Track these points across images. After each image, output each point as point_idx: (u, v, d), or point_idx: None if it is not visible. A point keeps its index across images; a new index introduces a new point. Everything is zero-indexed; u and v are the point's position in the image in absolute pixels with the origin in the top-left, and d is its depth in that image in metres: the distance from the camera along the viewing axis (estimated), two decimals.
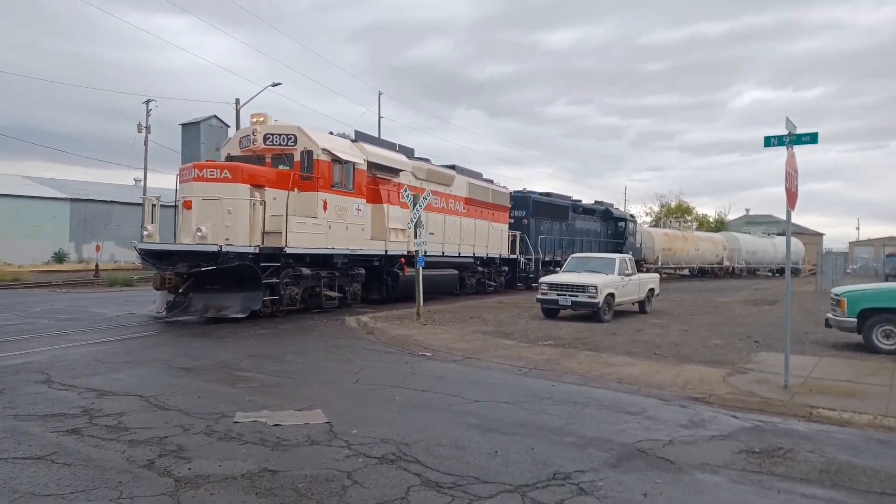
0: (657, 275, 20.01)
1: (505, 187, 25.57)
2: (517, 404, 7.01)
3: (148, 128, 43.30)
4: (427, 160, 20.29)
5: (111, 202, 47.15)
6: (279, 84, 30.30)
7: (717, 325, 15.11)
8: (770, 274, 54.86)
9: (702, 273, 47.91)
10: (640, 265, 37.62)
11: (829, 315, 11.74)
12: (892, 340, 10.72)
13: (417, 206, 14.19)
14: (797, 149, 8.23)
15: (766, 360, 10.08)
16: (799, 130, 8.25)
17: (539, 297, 15.80)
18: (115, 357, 9.22)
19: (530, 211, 27.08)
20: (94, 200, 46.33)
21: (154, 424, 5.78)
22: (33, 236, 42.28)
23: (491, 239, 23.39)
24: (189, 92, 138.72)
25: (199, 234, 12.73)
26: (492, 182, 24.36)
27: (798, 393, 7.82)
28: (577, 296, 15.01)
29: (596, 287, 14.83)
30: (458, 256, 21.25)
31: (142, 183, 44.64)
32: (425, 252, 14.57)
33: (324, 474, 4.63)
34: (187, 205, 13.05)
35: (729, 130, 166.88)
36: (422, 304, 14.55)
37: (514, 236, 25.47)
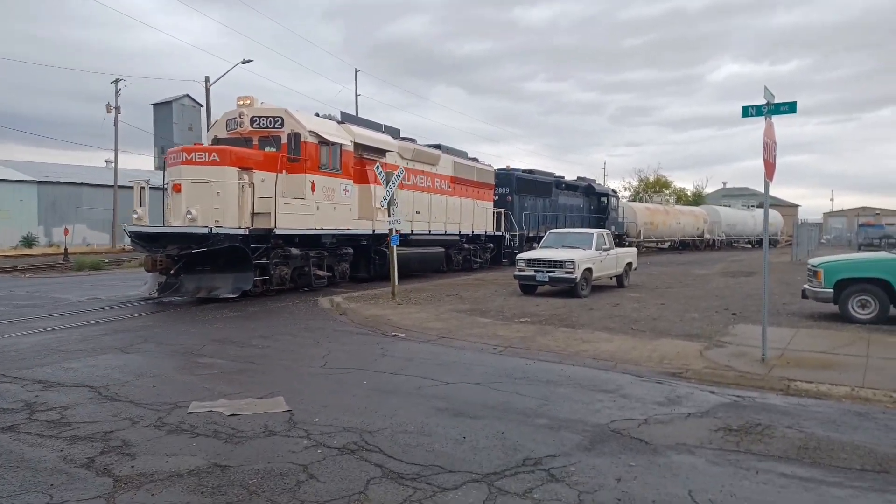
0: (635, 249, 19.89)
1: (489, 165, 25.87)
2: (489, 385, 6.76)
3: (117, 108, 42.00)
4: (413, 140, 20.44)
5: (81, 184, 45.86)
6: (250, 61, 29.43)
7: (695, 297, 15.04)
8: (749, 246, 55.49)
9: (683, 246, 48.46)
10: (623, 239, 38.55)
11: (806, 286, 11.66)
12: (868, 310, 10.66)
13: (391, 183, 13.78)
14: (775, 119, 8.02)
15: (744, 333, 9.97)
16: (776, 100, 8.04)
17: (516, 273, 15.58)
18: (70, 345, 8.79)
19: (514, 188, 27.47)
20: (63, 183, 45.00)
21: (100, 418, 5.42)
22: (0, 220, 41.03)
23: (476, 216, 23.79)
24: (164, 73, 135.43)
25: (188, 216, 12.90)
26: (476, 160, 24.57)
27: (775, 366, 7.69)
28: (554, 271, 14.81)
29: (573, 262, 14.63)
30: (445, 234, 21.61)
31: (113, 164, 43.40)
32: (400, 231, 14.22)
33: (278, 468, 4.32)
34: (177, 188, 13.24)
35: (706, 105, 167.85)
36: (397, 282, 14.25)
37: (498, 213, 25.87)
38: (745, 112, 8.14)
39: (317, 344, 9.06)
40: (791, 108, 7.75)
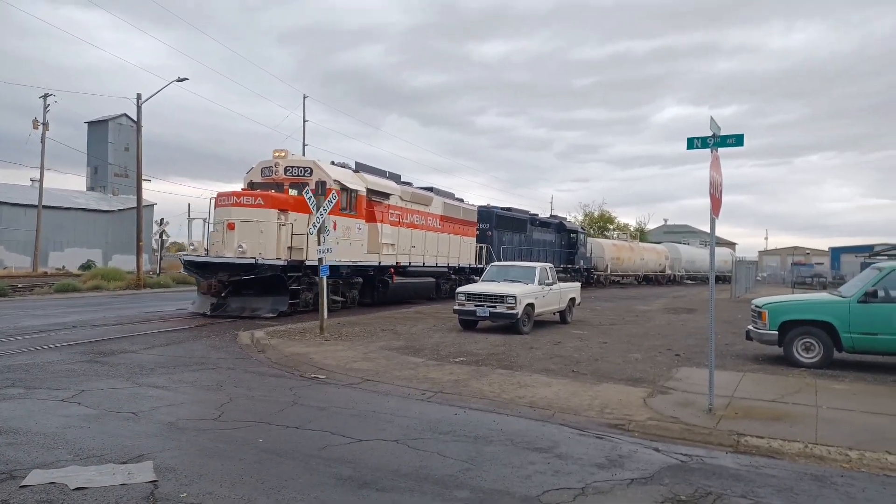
0: (578, 284, 19.46)
1: (473, 205, 29.13)
2: (408, 443, 5.86)
3: (45, 124, 39.60)
4: (410, 184, 23.67)
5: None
6: (185, 79, 28.05)
7: (638, 336, 14.59)
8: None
9: (647, 280, 50.84)
10: (592, 273, 42.09)
11: (751, 327, 11.27)
12: (812, 354, 10.29)
13: (321, 209, 12.90)
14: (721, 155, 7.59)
15: (688, 377, 9.44)
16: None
17: (456, 307, 14.81)
18: None
19: (493, 224, 30.22)
20: None
21: None
22: None
23: (462, 251, 26.91)
24: (108, 92, 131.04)
25: (239, 249, 15.94)
26: (462, 201, 28.03)
27: (723, 417, 7.10)
28: (495, 306, 14.13)
29: (515, 297, 13.97)
30: (436, 266, 24.47)
31: (39, 183, 40.75)
32: (325, 261, 13.32)
33: None
34: (231, 226, 16.30)
35: (651, 144, 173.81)
36: (326, 316, 13.28)
37: (480, 247, 28.77)
38: (691, 144, 7.69)
39: (218, 388, 8.02)
40: (738, 140, 7.33)
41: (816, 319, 10.31)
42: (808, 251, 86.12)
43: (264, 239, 16.24)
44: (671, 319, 19.29)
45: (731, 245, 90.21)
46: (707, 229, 7.87)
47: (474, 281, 25.72)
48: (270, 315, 16.08)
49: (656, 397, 8.05)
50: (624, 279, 48.95)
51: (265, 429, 6.19)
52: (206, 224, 17.72)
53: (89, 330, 13.60)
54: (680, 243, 61.74)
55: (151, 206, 50.07)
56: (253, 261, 15.70)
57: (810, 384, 8.95)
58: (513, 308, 13.95)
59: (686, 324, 17.89)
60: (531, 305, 14.68)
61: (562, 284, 17.39)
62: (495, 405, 7.56)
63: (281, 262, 16.14)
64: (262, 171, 18.59)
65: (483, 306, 14.26)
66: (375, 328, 14.55)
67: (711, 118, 7.54)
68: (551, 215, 39.38)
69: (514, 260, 30.07)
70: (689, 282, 56.65)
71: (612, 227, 73.89)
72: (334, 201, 13.39)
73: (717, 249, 59.31)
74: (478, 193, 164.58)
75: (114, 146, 54.62)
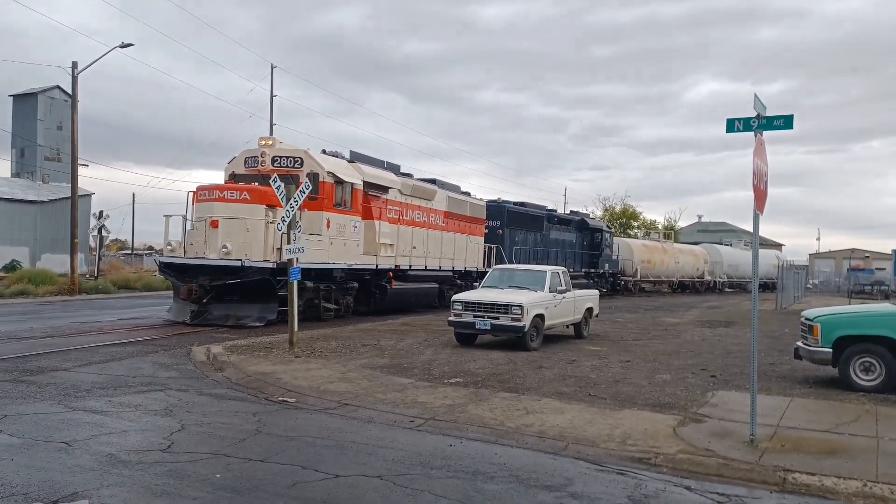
0: (596, 292, 19.56)
1: (481, 199, 29.58)
2: (394, 480, 5.87)
3: None
4: (410, 175, 24.17)
5: None
6: (129, 45, 27.99)
7: (666, 354, 14.67)
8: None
9: (682, 288, 51.39)
10: (618, 278, 42.59)
11: (800, 344, 11.33)
12: (873, 375, 10.34)
13: (291, 202, 12.94)
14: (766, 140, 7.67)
15: (726, 402, 9.51)
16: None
17: (451, 319, 14.85)
18: None
19: (504, 221, 30.63)
20: None
21: None
22: None
23: (469, 252, 27.21)
24: (37, 60, 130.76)
25: (224, 250, 16.43)
26: (468, 194, 28.26)
27: (767, 449, 7.15)
28: (497, 318, 14.17)
29: (521, 307, 14.01)
30: (439, 270, 24.88)
31: None
32: (295, 262, 13.37)
33: None
34: (214, 224, 16.74)
35: (682, 126, 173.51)
36: (296, 328, 13.29)
37: (489, 248, 29.25)
38: (731, 126, 7.81)
39: (169, 414, 8.03)
40: (787, 122, 7.41)
41: (878, 335, 10.36)
42: (867, 254, 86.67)
43: (250, 238, 16.82)
44: (705, 334, 19.39)
45: (778, 246, 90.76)
46: (749, 228, 7.92)
47: None
48: (257, 324, 16.77)
49: (688, 426, 8.08)
50: (655, 286, 49.43)
51: (223, 462, 6.18)
52: (185, 221, 18.21)
53: (13, 343, 13.57)
54: (721, 244, 61.80)
55: (89, 195, 49.94)
56: (239, 263, 16.28)
57: (870, 411, 9.00)
58: (519, 320, 13.99)
59: (723, 339, 17.99)
60: (540, 317, 14.71)
61: (577, 292, 17.45)
62: (497, 435, 7.58)
63: (270, 265, 16.60)
64: (245, 162, 19.15)
65: (483, 317, 14.28)
66: (356, 343, 14.58)
67: (756, 96, 7.60)
68: (571, 212, 39.98)
69: (529, 263, 30.42)
70: (728, 290, 56.90)
71: (635, 224, 74.22)
72: (307, 191, 13.44)
73: (762, 251, 59.52)
74: (477, 183, 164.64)
75: (44, 124, 54.35)
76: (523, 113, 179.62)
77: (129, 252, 66.93)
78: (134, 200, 63.42)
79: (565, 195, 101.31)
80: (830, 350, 10.60)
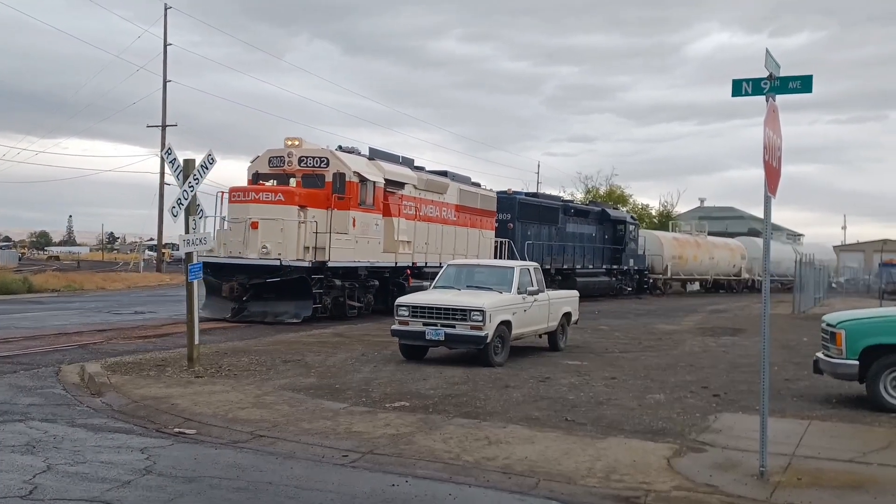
0: (576, 293, 19.79)
1: (491, 190, 33.80)
2: None
3: None
4: (422, 168, 28.98)
5: None
6: None
7: (660, 368, 15.01)
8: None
9: (716, 287, 54.78)
10: (646, 276, 46.74)
11: (820, 355, 11.65)
12: None
13: (191, 180, 12.89)
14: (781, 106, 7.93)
15: (731, 427, 9.77)
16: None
17: (395, 328, 14.92)
18: None
19: (516, 214, 34.44)
20: None
21: None
22: None
23: (481, 248, 31.23)
24: None
25: (263, 250, 20.79)
26: (479, 185, 32.74)
27: (780, 484, 7.38)
28: (453, 326, 14.27)
29: (482, 312, 14.11)
30: None
31: None
32: (194, 256, 13.37)
33: None
34: (254, 225, 21.10)
35: (684, 87, 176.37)
36: (197, 341, 13.20)
37: (500, 243, 32.79)
38: (738, 89, 8.09)
39: (29, 450, 7.95)
40: (805, 84, 7.68)
41: None
42: None
43: (285, 238, 21.13)
44: (707, 344, 19.86)
45: (797, 237, 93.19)
46: (760, 213, 8.10)
47: None
48: (294, 320, 21.13)
49: (685, 456, 8.27)
50: (685, 285, 52.69)
51: None
52: (217, 221, 22.24)
53: None
54: (757, 236, 63.64)
55: None
56: (278, 262, 20.73)
57: None
58: (480, 328, 14.09)
59: (729, 350, 18.46)
60: (507, 324, 14.86)
61: (552, 293, 17.70)
62: (452, 471, 7.66)
63: (306, 264, 21.21)
64: (270, 161, 23.68)
65: (436, 325, 14.37)
66: (274, 358, 14.63)
67: (767, 51, 7.80)
68: (591, 202, 44.40)
69: (543, 260, 33.78)
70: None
71: (625, 209, 75.29)
72: (211, 166, 13.33)
73: (783, 246, 60.94)
74: (430, 158, 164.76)
75: None
76: (488, 67, 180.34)
77: None
78: None
79: (538, 174, 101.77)
80: (857, 362, 10.88)
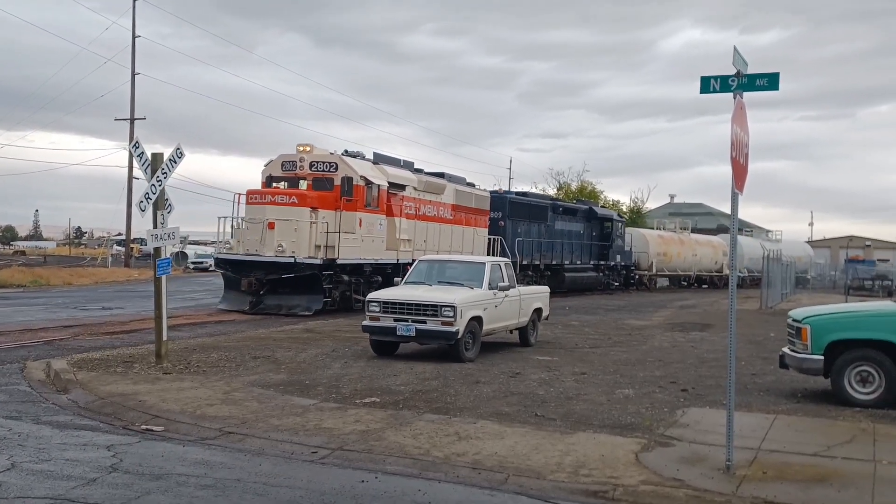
0: (546, 289, 19.89)
1: (484, 189, 36.06)
2: None
3: None
4: (421, 171, 30.93)
5: None
6: None
7: (630, 363, 15.12)
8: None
9: (699, 282, 57.47)
10: (632, 272, 48.65)
11: (786, 350, 11.79)
12: (871, 388, 10.81)
13: (158, 174, 12.75)
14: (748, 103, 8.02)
15: (698, 422, 9.86)
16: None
17: (366, 323, 14.88)
18: None
19: (507, 212, 36.07)
20: None
21: None
22: None
23: (476, 245, 33.15)
24: None
25: (279, 248, 22.83)
26: (473, 186, 34.90)
27: (746, 478, 7.46)
28: (424, 322, 14.27)
29: (454, 308, 14.13)
30: None
31: None
32: (162, 252, 13.25)
33: None
34: (271, 225, 23.18)
35: (656, 83, 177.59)
36: (165, 336, 13.11)
37: (493, 241, 34.33)
38: (706, 85, 8.14)
39: None
40: (771, 82, 7.75)
41: (877, 339, 10.83)
42: (868, 242, 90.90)
43: (298, 237, 23.26)
44: (676, 339, 20.02)
45: (768, 233, 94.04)
46: (727, 210, 8.17)
47: None
48: (307, 313, 23.01)
49: (653, 451, 8.33)
50: (670, 281, 54.29)
51: None
52: (233, 220, 25.00)
53: None
54: (751, 236, 66.75)
55: None
56: (292, 259, 22.75)
57: (867, 430, 9.43)
58: (451, 324, 14.11)
59: (697, 346, 18.63)
60: (478, 320, 14.90)
61: (524, 289, 17.75)
62: (422, 467, 7.68)
63: (317, 261, 23.32)
64: (282, 165, 25.77)
65: (407, 321, 14.36)
66: (243, 354, 14.55)
67: (735, 49, 7.87)
68: (578, 200, 45.77)
69: (533, 256, 36.81)
70: (750, 285, 59.48)
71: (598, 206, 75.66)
72: (179, 160, 13.22)
73: (753, 241, 62.07)
74: (401, 153, 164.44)
75: None
76: (460, 63, 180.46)
77: None
78: None
79: (510, 170, 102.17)
80: (821, 357, 11.03)
